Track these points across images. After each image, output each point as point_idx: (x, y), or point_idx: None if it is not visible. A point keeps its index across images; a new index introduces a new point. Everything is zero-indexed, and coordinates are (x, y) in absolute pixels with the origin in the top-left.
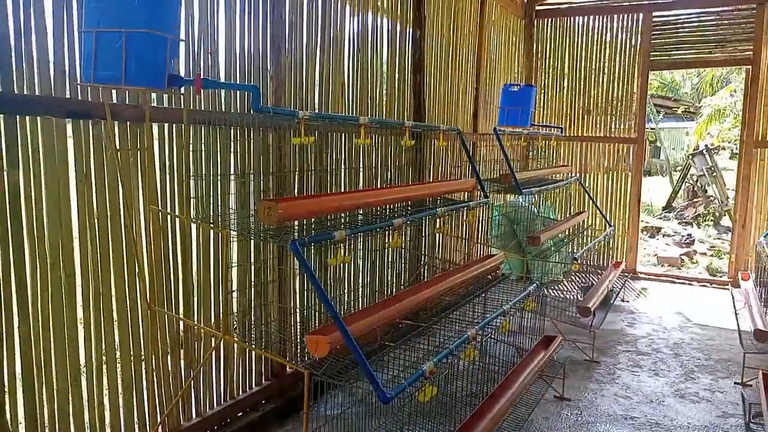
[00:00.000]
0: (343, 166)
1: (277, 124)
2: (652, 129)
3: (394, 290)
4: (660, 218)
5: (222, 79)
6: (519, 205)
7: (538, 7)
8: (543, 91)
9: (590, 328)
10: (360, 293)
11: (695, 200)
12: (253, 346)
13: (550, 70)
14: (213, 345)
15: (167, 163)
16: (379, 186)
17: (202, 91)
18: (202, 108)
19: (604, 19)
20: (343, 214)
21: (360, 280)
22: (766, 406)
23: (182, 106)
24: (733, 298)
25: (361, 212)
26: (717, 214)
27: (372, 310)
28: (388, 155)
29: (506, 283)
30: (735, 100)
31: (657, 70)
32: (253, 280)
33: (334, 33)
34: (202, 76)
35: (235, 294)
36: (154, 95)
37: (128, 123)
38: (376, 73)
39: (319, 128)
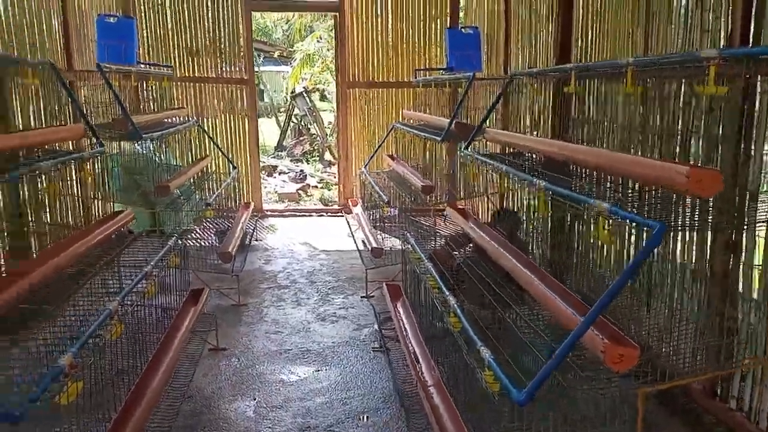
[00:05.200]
0: None
1: None
2: (254, 72)
3: None
4: (274, 157)
5: None
6: (139, 153)
7: None
8: (144, 27)
9: (232, 272)
10: None
11: (301, 139)
12: None
13: (151, 4)
14: None
15: None
16: None
17: None
18: None
19: None
20: None
21: None
22: (393, 310)
23: None
24: (348, 223)
25: None
26: (321, 150)
27: None
28: None
29: (141, 241)
30: (321, 45)
31: (257, 11)
32: None
33: None
34: None
35: None
36: None
37: None
38: None
39: None
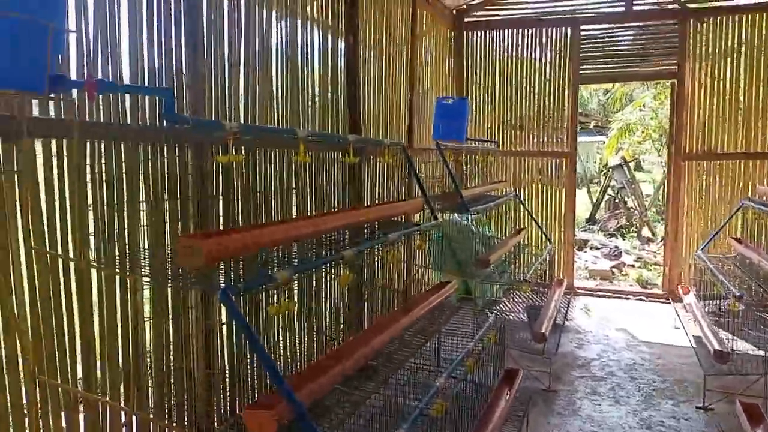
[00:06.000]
0: (274, 189)
1: (196, 139)
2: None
3: (332, 332)
4: (584, 231)
5: None
6: (460, 223)
7: (467, 19)
8: (473, 105)
9: (543, 354)
10: (295, 342)
11: (617, 212)
12: (173, 424)
13: (481, 83)
14: (123, 422)
15: (56, 190)
16: (313, 210)
17: (99, 97)
18: (101, 119)
19: (533, 32)
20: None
21: (295, 325)
22: None
23: (77, 117)
24: (677, 313)
25: (294, 244)
26: (638, 225)
27: (321, 367)
28: (320, 175)
29: (458, 311)
30: (643, 114)
31: (587, 83)
32: (171, 337)
33: (260, 39)
34: (97, 78)
35: (149, 356)
36: (36, 104)
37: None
38: (307, 84)
39: (245, 145)
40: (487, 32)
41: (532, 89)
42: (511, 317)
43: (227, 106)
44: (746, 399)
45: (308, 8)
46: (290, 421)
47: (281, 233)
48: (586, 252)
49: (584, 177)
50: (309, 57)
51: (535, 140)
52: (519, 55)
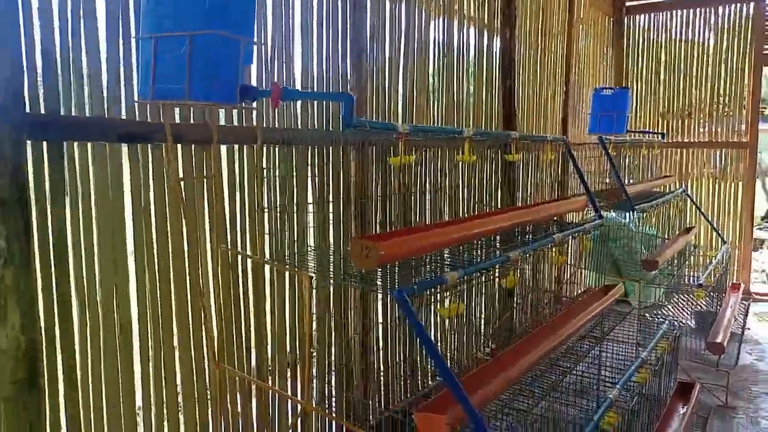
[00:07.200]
0: (431, 189)
1: (360, 141)
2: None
3: (485, 334)
4: (760, 229)
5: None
6: (619, 222)
7: (628, 3)
8: (634, 95)
9: (718, 366)
10: (449, 343)
11: None
12: (333, 417)
13: (642, 71)
14: (297, 415)
15: (237, 192)
16: (469, 210)
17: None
18: (276, 125)
19: (706, 12)
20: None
21: (448, 327)
22: None
23: (254, 123)
24: None
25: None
26: None
27: (489, 371)
28: (474, 173)
29: (625, 318)
30: None
31: None
32: (333, 335)
33: (419, 39)
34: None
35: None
36: (222, 112)
37: (193, 145)
38: (462, 81)
39: (407, 145)
40: (652, 15)
41: (702, 74)
42: (675, 323)
43: (387, 106)
44: None
45: (465, 7)
46: (462, 427)
47: (454, 234)
48: (761, 252)
49: (759, 169)
50: (464, 52)
51: (705, 130)
52: (688, 38)
